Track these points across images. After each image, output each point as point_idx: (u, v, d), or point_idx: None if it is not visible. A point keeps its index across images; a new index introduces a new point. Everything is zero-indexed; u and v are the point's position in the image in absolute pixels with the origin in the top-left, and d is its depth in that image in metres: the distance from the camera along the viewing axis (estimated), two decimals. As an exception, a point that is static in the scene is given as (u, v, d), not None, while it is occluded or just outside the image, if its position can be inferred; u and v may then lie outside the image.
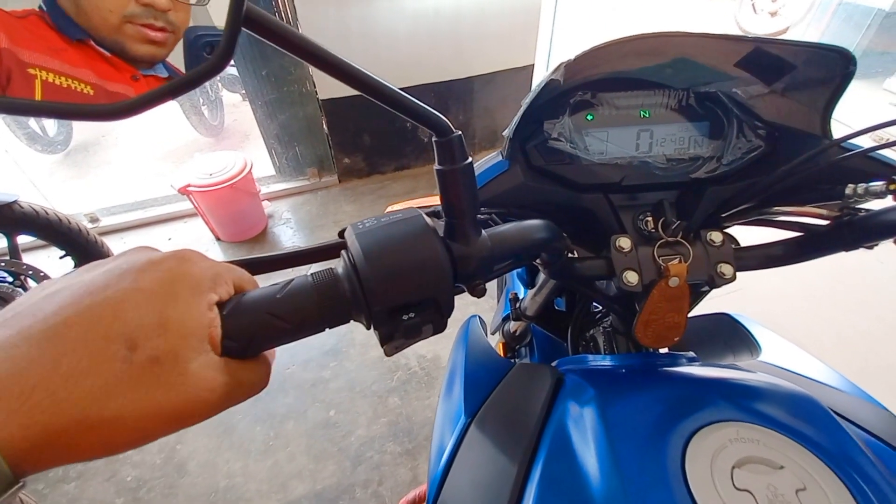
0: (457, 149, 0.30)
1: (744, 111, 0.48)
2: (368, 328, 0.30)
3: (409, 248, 0.29)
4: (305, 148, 2.69)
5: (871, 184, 0.39)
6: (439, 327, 0.32)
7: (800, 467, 0.33)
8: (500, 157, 0.46)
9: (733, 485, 0.32)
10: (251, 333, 0.26)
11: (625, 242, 0.43)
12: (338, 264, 0.30)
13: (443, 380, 0.56)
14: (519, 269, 0.88)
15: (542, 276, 0.65)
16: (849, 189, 0.40)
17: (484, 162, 0.47)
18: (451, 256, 0.31)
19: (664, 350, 0.52)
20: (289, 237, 2.47)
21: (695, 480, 0.32)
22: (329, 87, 2.39)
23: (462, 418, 0.46)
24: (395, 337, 0.30)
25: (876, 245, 0.41)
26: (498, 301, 1.11)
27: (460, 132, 0.30)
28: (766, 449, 0.34)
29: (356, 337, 1.84)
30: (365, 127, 2.63)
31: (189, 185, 2.07)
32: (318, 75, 2.34)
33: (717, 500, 0.31)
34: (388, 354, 0.32)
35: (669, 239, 0.43)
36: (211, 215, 2.27)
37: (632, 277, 0.43)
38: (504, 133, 0.45)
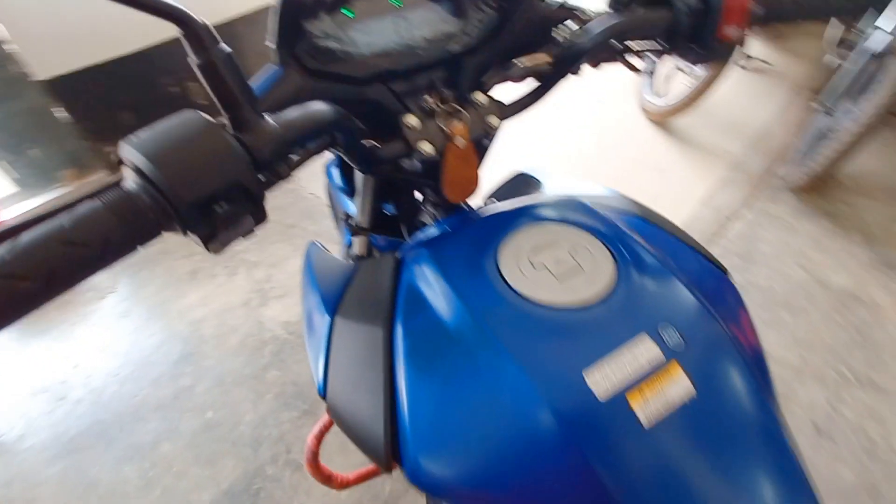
0: (206, 37, 0.30)
1: None
2: (185, 233, 0.30)
3: (196, 142, 0.29)
4: (45, 149, 2.12)
5: (567, 24, 0.51)
6: (258, 216, 0.33)
7: (574, 241, 0.45)
8: (274, 67, 0.46)
9: (533, 266, 0.43)
10: (50, 267, 0.24)
11: (412, 120, 0.49)
12: (124, 182, 0.29)
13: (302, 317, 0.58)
14: (342, 185, 0.90)
15: (358, 181, 0.69)
16: (553, 32, 0.51)
17: (260, 74, 0.46)
18: (242, 146, 0.31)
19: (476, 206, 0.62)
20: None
21: (508, 274, 0.43)
22: (49, 61, 1.87)
23: (326, 319, 0.49)
24: (217, 233, 0.30)
25: (579, 70, 0.54)
26: (338, 231, 1.13)
27: (207, 21, 0.30)
28: (550, 236, 0.46)
29: (204, 332, 1.68)
30: (121, 102, 2.18)
31: None
32: (23, 49, 1.80)
33: (525, 282, 0.42)
34: (215, 252, 0.32)
35: (447, 109, 0.50)
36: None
37: (427, 147, 0.49)
38: (266, 43, 0.45)
